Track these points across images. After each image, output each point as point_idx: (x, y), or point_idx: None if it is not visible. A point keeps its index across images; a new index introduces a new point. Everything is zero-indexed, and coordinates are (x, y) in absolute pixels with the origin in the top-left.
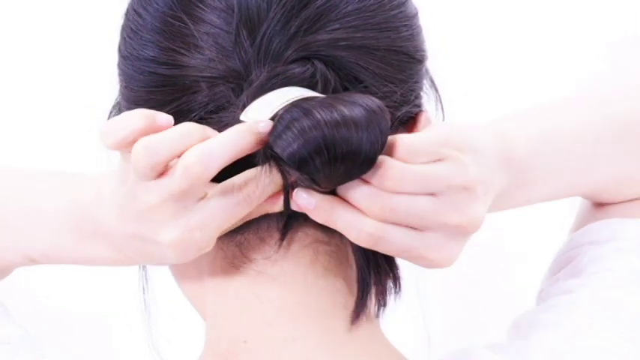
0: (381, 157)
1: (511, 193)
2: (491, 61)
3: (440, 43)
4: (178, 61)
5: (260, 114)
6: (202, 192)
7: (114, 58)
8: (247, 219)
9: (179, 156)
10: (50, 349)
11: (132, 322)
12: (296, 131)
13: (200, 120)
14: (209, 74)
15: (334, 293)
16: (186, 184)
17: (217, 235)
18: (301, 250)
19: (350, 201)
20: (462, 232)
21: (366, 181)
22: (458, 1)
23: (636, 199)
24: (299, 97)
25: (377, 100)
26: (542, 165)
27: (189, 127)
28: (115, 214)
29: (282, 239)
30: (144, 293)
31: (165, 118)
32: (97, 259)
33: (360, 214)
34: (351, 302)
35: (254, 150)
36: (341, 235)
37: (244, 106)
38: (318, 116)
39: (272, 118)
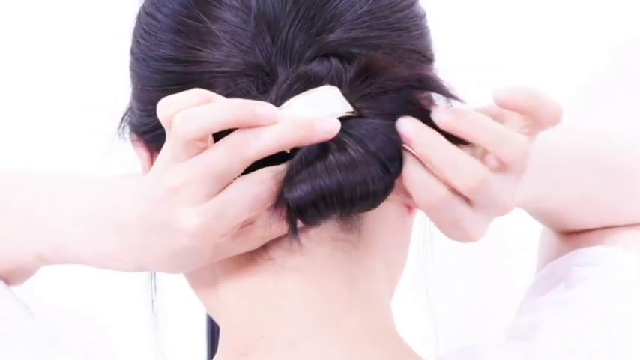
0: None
1: None
2: (494, 62)
3: (444, 44)
4: (196, 58)
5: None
6: (232, 179)
7: (113, 60)
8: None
9: (219, 135)
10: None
11: (135, 323)
12: (309, 179)
13: None
14: (228, 68)
15: (351, 290)
16: (228, 163)
17: (232, 227)
18: (318, 246)
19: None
20: (500, 213)
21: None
22: (462, 0)
23: (599, 228)
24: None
25: (387, 127)
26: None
27: (233, 102)
28: (134, 202)
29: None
30: (152, 302)
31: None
32: (106, 257)
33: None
34: (367, 299)
35: (301, 146)
36: (359, 233)
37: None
38: (332, 160)
39: None
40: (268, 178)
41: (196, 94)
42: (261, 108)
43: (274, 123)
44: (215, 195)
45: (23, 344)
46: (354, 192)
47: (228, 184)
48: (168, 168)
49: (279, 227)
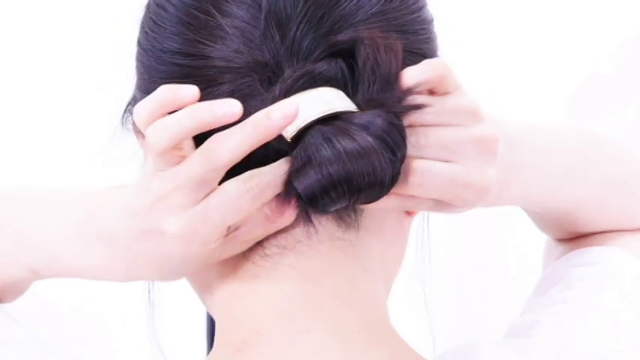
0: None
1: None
2: (499, 63)
3: (451, 46)
4: (203, 53)
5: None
6: (215, 184)
7: (109, 60)
8: (261, 238)
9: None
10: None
11: (132, 321)
12: (317, 167)
13: None
14: (235, 65)
15: (347, 288)
16: (204, 170)
17: (221, 231)
18: (316, 244)
19: None
20: (488, 144)
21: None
22: (467, 1)
23: (603, 232)
24: (326, 113)
25: (388, 115)
26: (524, 164)
27: (198, 106)
28: (123, 212)
29: (307, 224)
30: (149, 292)
31: (189, 91)
32: (98, 269)
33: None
34: (363, 298)
35: (269, 140)
36: (357, 232)
37: (273, 101)
38: (339, 148)
39: (296, 135)
40: (252, 180)
41: (162, 91)
42: (219, 107)
43: (237, 117)
44: (201, 200)
45: (16, 348)
46: (362, 179)
47: (214, 190)
48: (154, 177)
49: (269, 227)
